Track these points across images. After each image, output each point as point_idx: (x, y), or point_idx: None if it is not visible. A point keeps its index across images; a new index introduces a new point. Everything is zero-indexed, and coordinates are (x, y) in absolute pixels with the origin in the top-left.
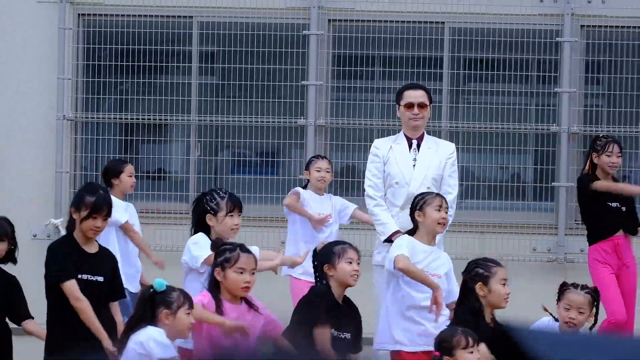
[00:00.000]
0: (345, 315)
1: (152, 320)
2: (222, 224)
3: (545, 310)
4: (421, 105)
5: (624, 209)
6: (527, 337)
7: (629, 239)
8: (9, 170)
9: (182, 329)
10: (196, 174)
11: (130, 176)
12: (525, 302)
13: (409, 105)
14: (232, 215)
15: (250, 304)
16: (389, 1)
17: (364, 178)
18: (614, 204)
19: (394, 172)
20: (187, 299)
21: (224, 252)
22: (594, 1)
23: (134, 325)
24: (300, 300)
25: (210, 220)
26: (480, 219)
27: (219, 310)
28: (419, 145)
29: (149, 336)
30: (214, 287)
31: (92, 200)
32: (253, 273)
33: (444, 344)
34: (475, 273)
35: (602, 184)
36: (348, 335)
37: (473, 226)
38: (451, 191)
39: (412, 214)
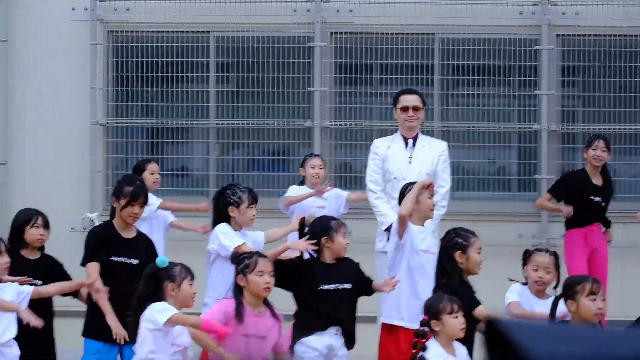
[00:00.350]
0: (339, 269)
1: (158, 295)
2: (243, 215)
3: (511, 280)
4: (415, 108)
5: (604, 204)
6: (516, 330)
7: (600, 227)
8: (49, 170)
9: (187, 299)
10: (215, 171)
11: (152, 174)
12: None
13: (404, 109)
14: (251, 207)
15: (273, 312)
16: (384, 15)
17: (365, 174)
18: (597, 199)
19: (392, 169)
20: (188, 271)
21: (243, 260)
22: (568, 13)
23: (141, 302)
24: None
25: (232, 211)
26: (470, 208)
27: (239, 316)
28: (414, 144)
29: (150, 309)
30: (238, 293)
31: (130, 190)
32: (271, 275)
33: (432, 309)
34: (455, 242)
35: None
36: (347, 285)
37: (465, 215)
38: (444, 184)
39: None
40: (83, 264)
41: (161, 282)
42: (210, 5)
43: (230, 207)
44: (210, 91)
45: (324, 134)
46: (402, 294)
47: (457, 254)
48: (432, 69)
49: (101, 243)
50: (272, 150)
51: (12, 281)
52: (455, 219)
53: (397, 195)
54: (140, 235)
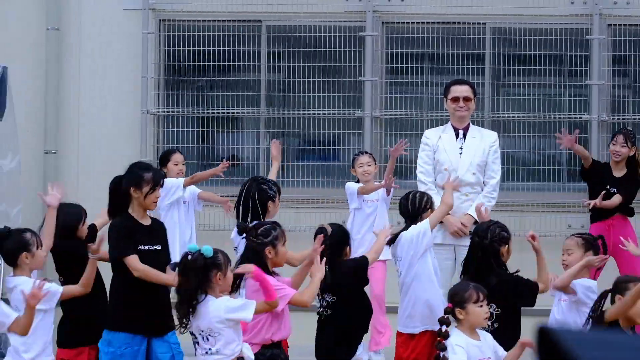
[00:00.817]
0: None
1: (207, 284)
2: (277, 207)
3: None
4: (466, 99)
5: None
6: (567, 338)
7: (627, 220)
8: (100, 157)
9: (229, 285)
10: (265, 162)
11: (177, 164)
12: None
13: (455, 99)
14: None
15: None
16: (435, 5)
17: (415, 164)
18: (612, 190)
19: (443, 159)
20: (227, 257)
21: (270, 232)
22: (620, 2)
23: (194, 294)
24: None
25: (270, 205)
26: (520, 199)
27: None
28: (465, 135)
29: (225, 309)
30: (265, 265)
31: (150, 176)
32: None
33: (456, 297)
34: (502, 236)
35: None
36: None
37: (514, 205)
38: (494, 176)
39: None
40: (121, 257)
41: (209, 271)
42: None
43: (269, 201)
44: (261, 80)
45: (374, 124)
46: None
47: (505, 249)
48: (484, 59)
49: (130, 234)
50: (323, 140)
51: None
52: (503, 209)
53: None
54: (155, 221)
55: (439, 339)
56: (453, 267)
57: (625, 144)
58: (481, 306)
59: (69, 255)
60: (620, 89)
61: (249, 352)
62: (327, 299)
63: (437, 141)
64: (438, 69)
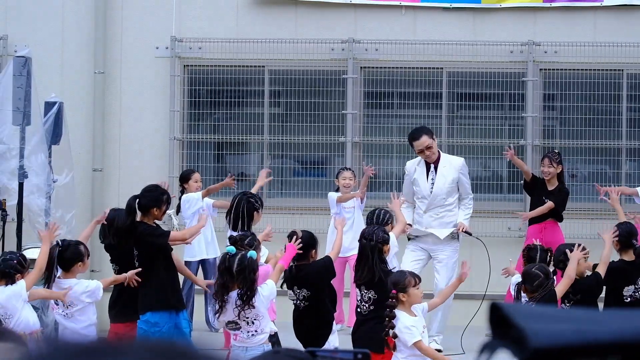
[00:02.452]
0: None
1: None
2: (260, 216)
3: (511, 260)
4: (427, 147)
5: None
6: (513, 311)
7: (557, 224)
8: (135, 175)
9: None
10: (267, 177)
11: (196, 182)
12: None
13: (419, 151)
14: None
15: None
16: (403, 53)
17: (385, 179)
18: (547, 200)
19: (417, 190)
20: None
21: (252, 242)
22: (549, 52)
23: (253, 287)
24: None
25: (256, 215)
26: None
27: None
28: (436, 167)
29: (268, 291)
30: None
31: (166, 198)
32: None
33: (399, 284)
34: (384, 238)
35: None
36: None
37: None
38: (469, 192)
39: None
40: (167, 238)
41: (255, 272)
42: (266, 45)
43: (256, 211)
44: (265, 113)
45: (354, 147)
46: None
47: (386, 247)
48: (441, 96)
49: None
50: (313, 160)
51: None
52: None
53: (423, 208)
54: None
55: (387, 319)
56: (421, 268)
57: (551, 165)
58: (418, 288)
59: (124, 249)
60: (549, 120)
61: (275, 328)
62: (303, 293)
63: (413, 173)
64: (405, 104)
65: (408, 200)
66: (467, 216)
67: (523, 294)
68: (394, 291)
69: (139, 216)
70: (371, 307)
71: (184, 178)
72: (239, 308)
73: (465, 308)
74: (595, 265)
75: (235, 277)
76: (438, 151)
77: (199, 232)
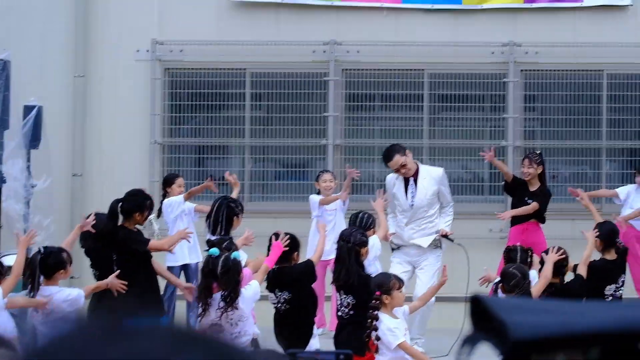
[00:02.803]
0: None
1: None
2: (239, 221)
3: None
4: (402, 165)
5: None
6: (494, 304)
7: (539, 225)
8: (115, 180)
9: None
10: (249, 180)
11: (179, 187)
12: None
13: (396, 170)
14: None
15: None
16: (385, 55)
17: (368, 181)
18: (529, 201)
19: (397, 203)
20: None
21: (230, 246)
22: (530, 52)
23: (237, 288)
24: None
25: (235, 220)
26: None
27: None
28: (415, 180)
29: (254, 290)
30: None
31: (149, 202)
32: None
33: (384, 286)
34: (362, 240)
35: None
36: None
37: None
38: (449, 200)
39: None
40: (148, 245)
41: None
42: (247, 48)
43: (235, 216)
44: (246, 116)
45: (336, 150)
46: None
47: (364, 250)
48: (422, 98)
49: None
50: (295, 163)
51: None
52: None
53: (405, 221)
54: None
55: (369, 320)
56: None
57: (531, 165)
58: (401, 291)
59: (104, 253)
60: (530, 121)
61: (258, 331)
62: (284, 296)
63: (393, 187)
64: (387, 106)
65: (392, 211)
66: (447, 223)
67: (501, 294)
68: (377, 292)
69: (120, 220)
70: (351, 312)
71: (168, 182)
72: (222, 310)
73: (447, 310)
74: (575, 266)
75: (220, 278)
76: (416, 163)
77: (179, 241)
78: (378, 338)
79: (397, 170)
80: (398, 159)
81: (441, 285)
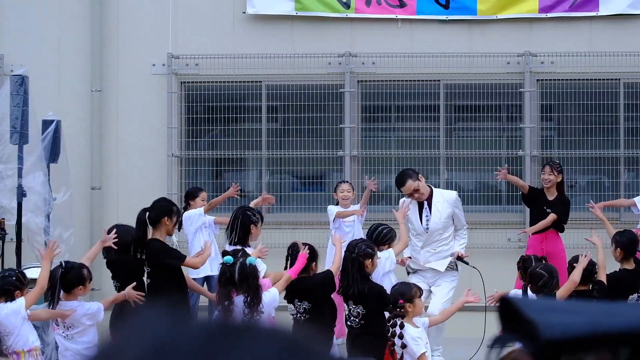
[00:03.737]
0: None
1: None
2: (258, 231)
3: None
4: (415, 190)
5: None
6: (525, 305)
7: (558, 235)
8: (133, 193)
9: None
10: (267, 193)
11: (203, 200)
12: (509, 278)
13: (409, 195)
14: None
15: None
16: (400, 66)
17: (385, 192)
18: (548, 210)
19: (412, 227)
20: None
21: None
22: (545, 62)
23: (259, 292)
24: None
25: (253, 229)
26: (469, 219)
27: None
28: (429, 204)
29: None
30: None
31: (176, 209)
32: None
33: (406, 295)
34: (367, 252)
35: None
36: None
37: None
38: (464, 223)
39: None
40: (181, 262)
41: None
42: (262, 61)
43: (252, 225)
44: (262, 128)
45: (352, 161)
46: None
47: (369, 262)
48: (439, 108)
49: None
50: (312, 175)
51: None
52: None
53: (420, 244)
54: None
55: (393, 329)
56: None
57: (552, 173)
58: (420, 298)
59: (124, 266)
60: (547, 130)
61: None
62: (304, 306)
63: (407, 211)
64: (403, 117)
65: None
66: (462, 245)
67: (530, 294)
68: (401, 301)
69: (150, 231)
70: (362, 322)
71: (191, 195)
72: (248, 315)
73: (466, 320)
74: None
75: (239, 285)
76: (429, 187)
77: (208, 255)
78: (404, 346)
79: (410, 195)
80: (410, 184)
81: (464, 303)
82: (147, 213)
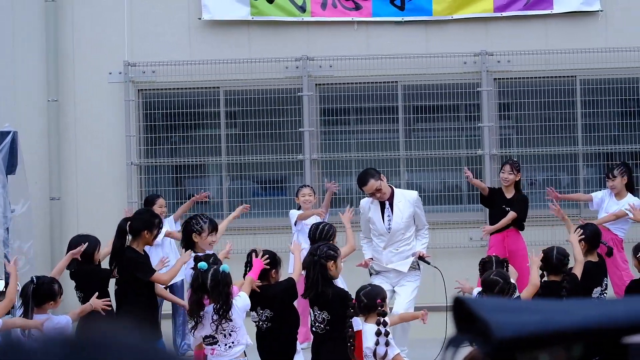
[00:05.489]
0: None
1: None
2: (204, 240)
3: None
4: (377, 189)
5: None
6: (477, 305)
7: (519, 233)
8: (93, 202)
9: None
10: (227, 198)
11: (161, 207)
12: (471, 278)
13: (370, 194)
14: (211, 235)
15: None
16: (357, 68)
17: (346, 195)
18: (507, 209)
19: (374, 227)
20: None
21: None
22: (502, 61)
23: (229, 299)
24: None
25: (195, 237)
26: (430, 219)
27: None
28: (391, 203)
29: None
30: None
31: (158, 221)
32: None
33: (381, 295)
34: (329, 254)
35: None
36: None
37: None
38: (425, 223)
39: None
40: (149, 277)
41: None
42: (219, 66)
43: (193, 234)
44: (221, 134)
45: (313, 165)
46: None
47: (332, 264)
48: (397, 110)
49: (147, 260)
50: (272, 179)
51: None
52: None
53: (382, 245)
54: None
55: (379, 327)
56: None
57: (511, 172)
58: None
59: (87, 276)
60: (505, 128)
61: (250, 341)
62: (266, 314)
63: (368, 211)
64: (362, 119)
65: (366, 236)
66: (424, 245)
67: None
68: (379, 300)
69: (129, 240)
70: (327, 327)
71: (149, 202)
72: (217, 322)
73: (429, 320)
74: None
75: (210, 291)
76: (390, 187)
77: (178, 270)
78: (388, 344)
79: (372, 195)
80: (373, 183)
81: (417, 317)
82: (129, 222)
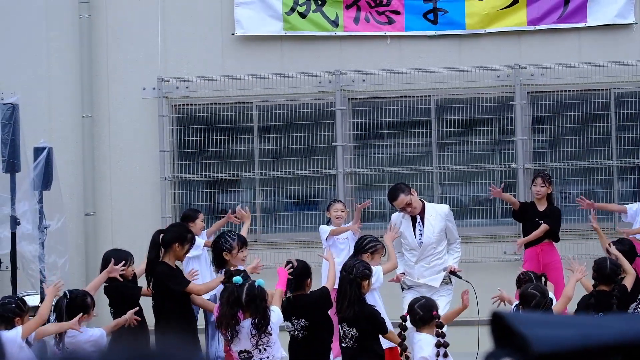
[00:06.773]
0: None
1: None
2: (235, 257)
3: (500, 290)
4: (407, 204)
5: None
6: (516, 319)
7: (553, 245)
8: (127, 217)
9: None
10: (261, 213)
11: (202, 222)
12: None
13: (401, 209)
14: (242, 251)
15: None
16: (390, 82)
17: (378, 209)
18: (540, 222)
19: (405, 242)
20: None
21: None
22: (535, 75)
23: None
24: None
25: (226, 256)
26: (464, 233)
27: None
28: (422, 218)
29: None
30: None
31: (190, 236)
32: None
33: (436, 307)
34: (364, 273)
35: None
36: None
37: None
38: (457, 237)
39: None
40: (184, 288)
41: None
42: (252, 81)
43: (224, 252)
44: (255, 149)
45: (345, 179)
46: None
47: (366, 283)
48: (430, 124)
49: (180, 273)
50: (305, 194)
51: None
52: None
53: (413, 260)
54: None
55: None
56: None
57: (543, 184)
58: None
59: (117, 292)
60: (539, 142)
61: (285, 354)
62: (302, 323)
63: (399, 225)
64: (395, 133)
65: (398, 251)
66: (456, 259)
67: None
68: (434, 312)
69: (162, 253)
70: (356, 344)
71: (190, 218)
72: (256, 337)
73: (460, 334)
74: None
75: (245, 306)
76: (421, 201)
77: (215, 287)
78: (446, 355)
79: (402, 209)
80: (403, 198)
81: (462, 310)
82: (162, 235)
